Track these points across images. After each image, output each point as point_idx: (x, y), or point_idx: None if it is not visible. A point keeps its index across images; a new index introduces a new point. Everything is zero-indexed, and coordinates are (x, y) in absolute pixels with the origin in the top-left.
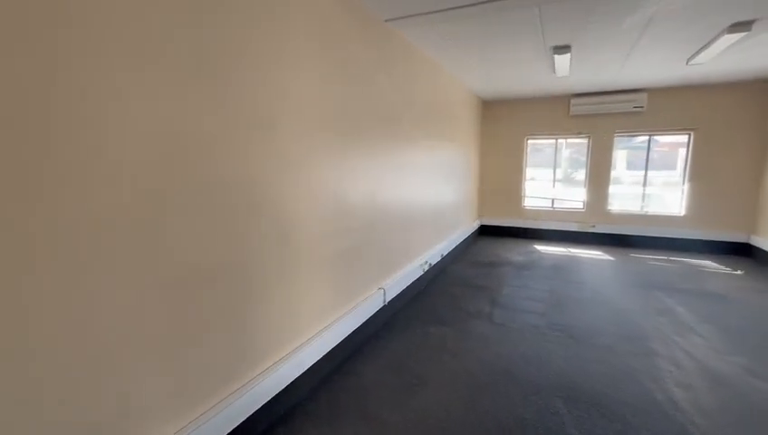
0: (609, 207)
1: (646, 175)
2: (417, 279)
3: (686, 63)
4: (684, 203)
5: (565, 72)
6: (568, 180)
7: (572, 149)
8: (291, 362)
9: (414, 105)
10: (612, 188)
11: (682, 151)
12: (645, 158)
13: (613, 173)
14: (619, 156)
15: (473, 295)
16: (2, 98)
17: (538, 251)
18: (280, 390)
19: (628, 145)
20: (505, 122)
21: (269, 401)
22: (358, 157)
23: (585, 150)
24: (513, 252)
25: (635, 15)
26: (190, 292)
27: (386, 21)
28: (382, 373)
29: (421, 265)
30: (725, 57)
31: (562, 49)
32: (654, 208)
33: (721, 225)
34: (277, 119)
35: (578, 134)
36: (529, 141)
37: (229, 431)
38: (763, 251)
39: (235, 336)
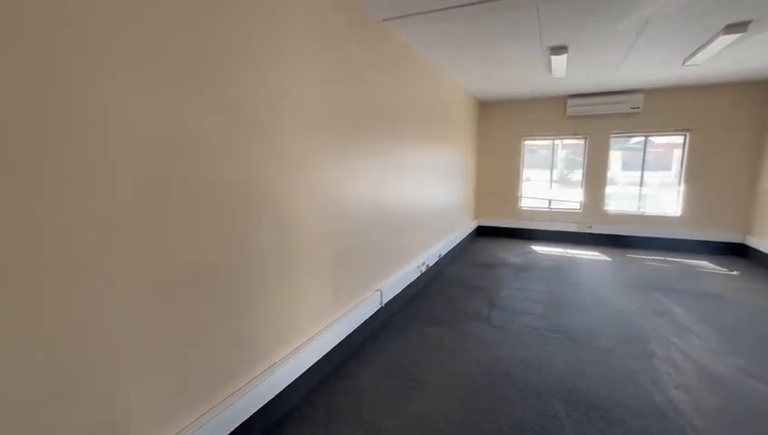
0: (606, 208)
1: (642, 176)
2: (415, 280)
3: (683, 64)
4: (680, 203)
5: (562, 72)
6: (564, 181)
7: (568, 150)
8: (288, 365)
9: (411, 106)
10: (608, 189)
11: (677, 152)
12: (640, 158)
13: (609, 174)
14: (615, 157)
15: (470, 297)
16: (2, 98)
17: (535, 252)
18: (276, 394)
19: (624, 146)
20: (502, 123)
21: (265, 405)
22: (356, 157)
23: (581, 151)
24: (511, 253)
25: (632, 16)
26: (189, 292)
27: (383, 20)
28: (379, 376)
29: (418, 266)
30: (721, 58)
31: (559, 50)
32: (650, 209)
33: (717, 225)
34: (277, 119)
35: (574, 135)
36: (525, 142)
37: None
38: (759, 252)
39: (234, 337)
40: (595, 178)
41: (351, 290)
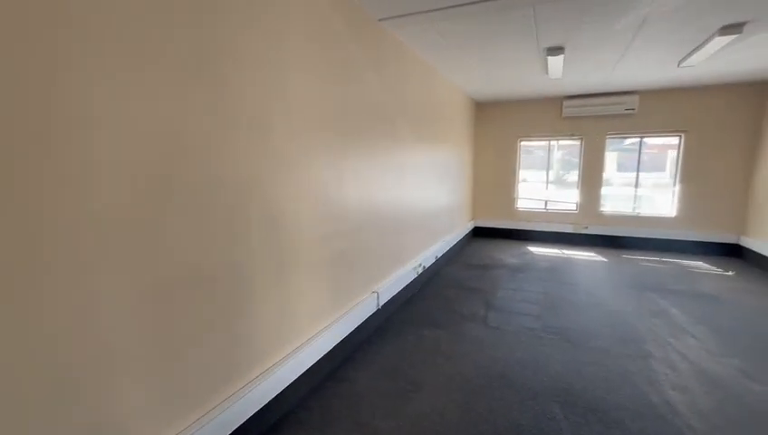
0: (602, 209)
1: (637, 176)
2: (411, 282)
3: (678, 66)
4: (675, 204)
5: (558, 73)
6: (560, 182)
7: (564, 150)
8: (284, 368)
9: (408, 106)
10: (604, 190)
11: (671, 153)
12: (634, 159)
13: (604, 175)
14: (610, 158)
15: (467, 298)
16: (2, 98)
17: (531, 253)
18: (272, 397)
19: (619, 147)
20: (498, 124)
21: (261, 409)
22: (353, 157)
23: (577, 152)
24: (507, 254)
25: (629, 16)
26: (188, 292)
27: (379, 20)
28: (376, 379)
29: (415, 267)
30: (717, 60)
31: (556, 50)
32: (645, 210)
33: (711, 226)
34: (275, 119)
35: (570, 136)
36: (522, 143)
37: None
38: (753, 252)
39: (231, 339)
40: (591, 179)
41: (348, 292)
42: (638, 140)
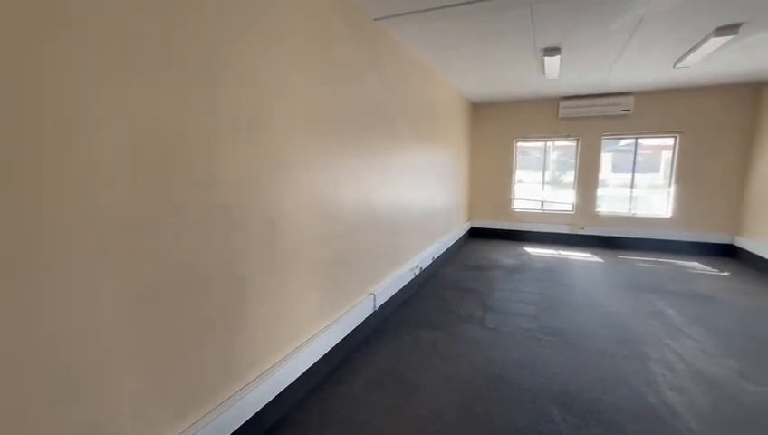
0: (598, 210)
1: (633, 177)
2: (408, 283)
3: (674, 66)
4: (670, 205)
5: (555, 74)
6: (556, 183)
7: (560, 151)
8: (281, 370)
9: (404, 106)
10: (599, 191)
11: (665, 154)
12: (629, 160)
13: (600, 176)
14: (605, 159)
15: (464, 299)
16: (2, 98)
17: (528, 253)
18: (269, 400)
19: (614, 148)
20: (495, 125)
21: (258, 412)
22: (350, 158)
23: (572, 153)
24: (504, 254)
25: (625, 16)
26: (188, 293)
27: (375, 19)
28: (373, 381)
29: (412, 268)
30: (712, 60)
31: (553, 51)
32: (641, 210)
33: (706, 226)
34: (274, 119)
35: (567, 137)
36: (518, 144)
37: None
38: (748, 252)
39: (231, 338)
40: (587, 179)
41: (345, 293)
42: (633, 141)
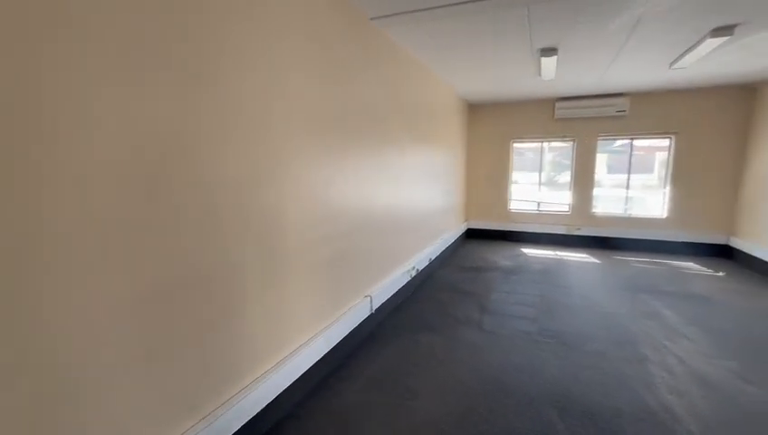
0: (594, 210)
1: (629, 178)
2: (405, 285)
3: (670, 67)
4: (665, 205)
5: (551, 75)
6: (551, 184)
7: (555, 152)
8: (275, 376)
9: (401, 107)
10: (595, 191)
11: (659, 155)
12: (624, 161)
13: (596, 176)
14: (600, 159)
15: (461, 301)
16: (2, 98)
17: (525, 254)
18: (262, 407)
19: (608, 149)
20: (491, 126)
21: (252, 419)
22: (348, 158)
23: (567, 154)
24: (501, 255)
25: (623, 16)
26: (188, 293)
27: (371, 19)
28: (370, 384)
29: (408, 270)
30: (708, 62)
31: (549, 51)
32: (636, 211)
33: (702, 227)
34: (274, 119)
35: (563, 137)
36: (514, 145)
37: None
38: (743, 253)
39: (230, 339)
40: (583, 180)
41: (342, 295)
42: (628, 141)
